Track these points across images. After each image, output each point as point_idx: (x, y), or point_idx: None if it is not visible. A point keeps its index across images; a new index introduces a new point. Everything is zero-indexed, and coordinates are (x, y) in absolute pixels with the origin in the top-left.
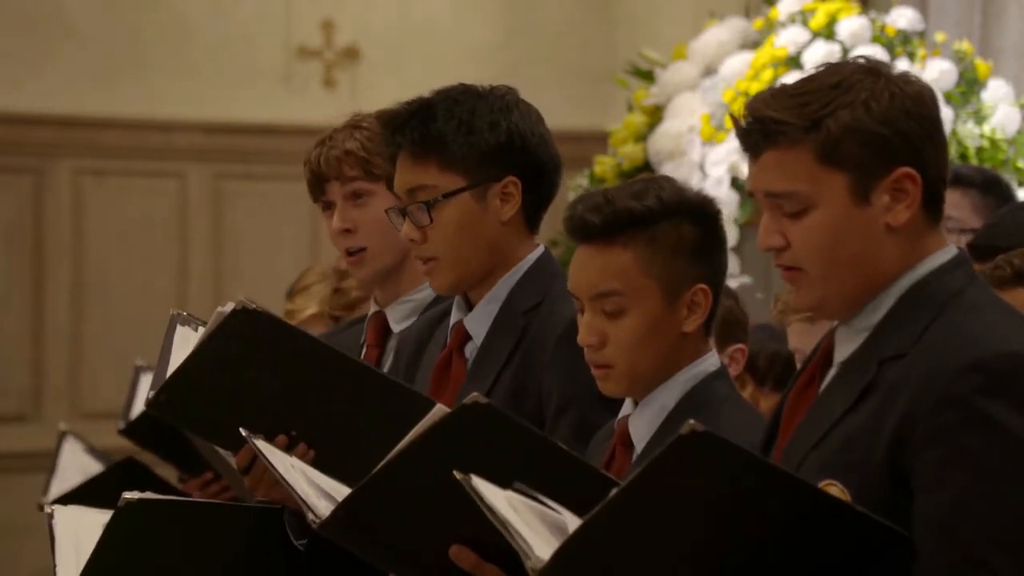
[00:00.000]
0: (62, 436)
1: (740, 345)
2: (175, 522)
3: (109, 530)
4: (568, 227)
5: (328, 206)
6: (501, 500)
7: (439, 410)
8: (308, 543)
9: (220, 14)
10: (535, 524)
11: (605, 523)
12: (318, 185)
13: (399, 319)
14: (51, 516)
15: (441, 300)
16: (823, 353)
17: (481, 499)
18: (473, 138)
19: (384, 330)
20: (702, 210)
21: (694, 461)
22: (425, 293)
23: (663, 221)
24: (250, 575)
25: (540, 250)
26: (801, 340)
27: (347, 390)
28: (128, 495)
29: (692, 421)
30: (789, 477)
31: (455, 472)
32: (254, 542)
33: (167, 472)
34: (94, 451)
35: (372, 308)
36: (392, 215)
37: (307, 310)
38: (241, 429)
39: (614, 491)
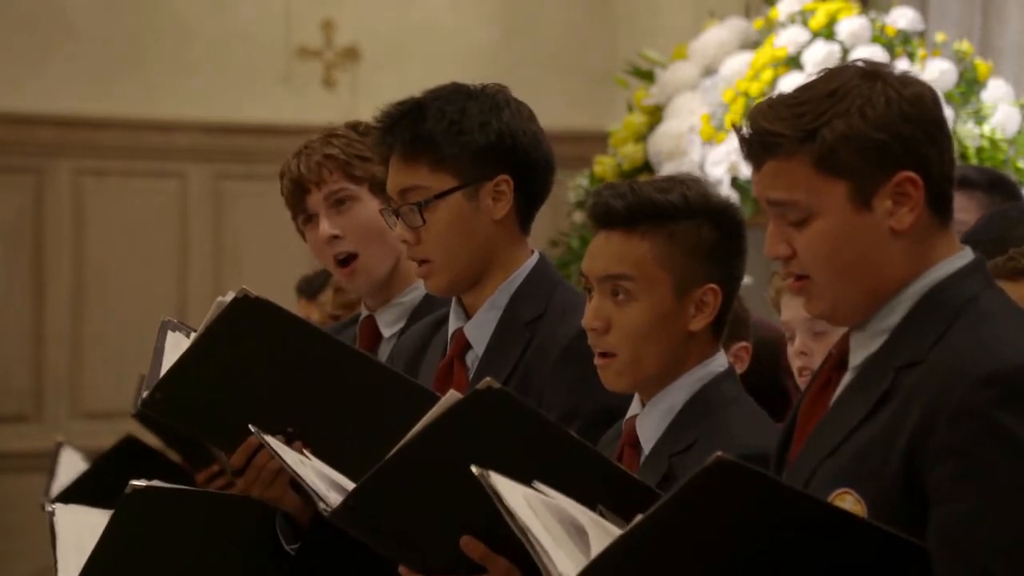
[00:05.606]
0: (59, 446)
1: (744, 343)
2: (180, 512)
3: (115, 518)
4: (591, 212)
5: (309, 219)
6: (520, 501)
7: (452, 395)
8: (299, 548)
9: (220, 14)
10: (555, 529)
11: (628, 548)
12: (299, 195)
13: (389, 323)
14: (52, 514)
15: (431, 302)
16: (837, 356)
17: (500, 500)
18: (464, 138)
19: (375, 335)
20: (725, 215)
21: (719, 491)
22: (414, 295)
23: (685, 219)
24: (257, 565)
25: (536, 256)
26: (792, 312)
27: (350, 382)
28: (135, 483)
29: (719, 452)
30: (810, 499)
31: (473, 467)
32: (260, 533)
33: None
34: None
35: (363, 312)
36: (386, 216)
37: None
38: (250, 425)
39: (638, 518)
